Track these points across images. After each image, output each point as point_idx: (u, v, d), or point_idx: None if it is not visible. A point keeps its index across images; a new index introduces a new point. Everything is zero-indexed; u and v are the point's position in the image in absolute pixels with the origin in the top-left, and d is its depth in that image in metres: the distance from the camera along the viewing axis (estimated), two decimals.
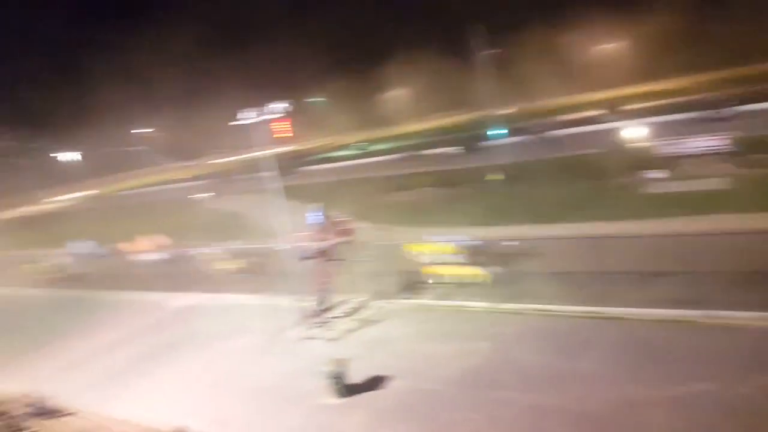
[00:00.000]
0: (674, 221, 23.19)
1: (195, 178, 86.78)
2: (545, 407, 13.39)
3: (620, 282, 18.53)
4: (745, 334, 14.78)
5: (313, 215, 26.71)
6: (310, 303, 21.08)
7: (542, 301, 18.80)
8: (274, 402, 16.02)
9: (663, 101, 60.88)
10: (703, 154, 32.88)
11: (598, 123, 53.55)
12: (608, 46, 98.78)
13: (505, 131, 57.07)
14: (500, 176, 39.25)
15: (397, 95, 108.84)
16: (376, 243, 29.37)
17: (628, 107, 59.88)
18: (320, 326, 20.29)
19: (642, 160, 33.58)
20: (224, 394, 17.04)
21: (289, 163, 65.35)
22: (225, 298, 26.35)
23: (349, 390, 15.35)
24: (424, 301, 21.51)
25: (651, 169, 32.30)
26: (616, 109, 59.14)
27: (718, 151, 32.61)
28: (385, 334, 19.25)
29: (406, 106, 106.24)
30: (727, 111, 45.98)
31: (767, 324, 14.99)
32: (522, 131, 56.36)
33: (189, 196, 66.13)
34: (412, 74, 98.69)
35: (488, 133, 56.11)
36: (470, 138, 60.92)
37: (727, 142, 32.59)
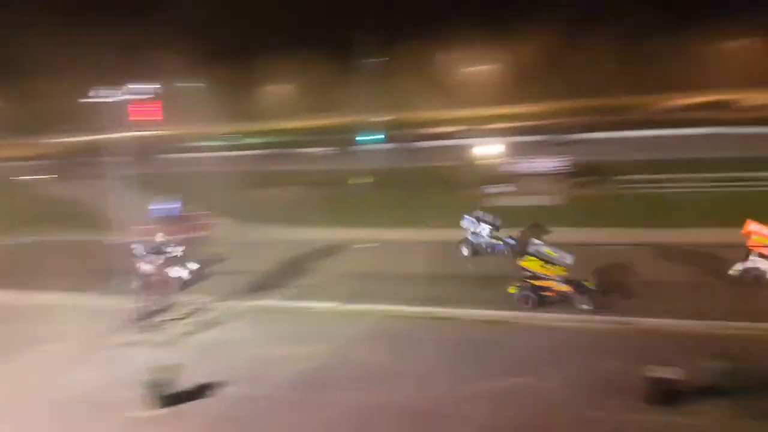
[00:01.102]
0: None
1: (36, 157, 77.06)
2: (373, 405, 13.62)
3: (450, 283, 19.83)
4: (554, 333, 16.75)
5: (159, 207, 24.80)
6: (140, 304, 19.35)
7: (384, 302, 19.38)
8: (80, 416, 14.27)
9: (518, 123, 66.87)
10: (544, 174, 36.46)
11: (459, 138, 56.91)
12: (480, 68, 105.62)
13: (382, 137, 58.88)
14: (367, 179, 40.10)
15: (276, 90, 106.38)
16: (234, 240, 28.27)
17: (487, 126, 64.63)
18: (150, 330, 18.72)
19: (490, 175, 36.47)
20: (24, 408, 14.85)
21: (149, 149, 60.73)
22: (37, 297, 22.86)
23: (172, 400, 14.19)
24: (271, 302, 20.95)
25: (496, 183, 35.21)
26: (476, 127, 63.59)
27: (557, 172, 36.35)
28: (223, 338, 18.28)
29: (285, 103, 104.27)
30: (567, 137, 51.66)
31: (567, 324, 17.20)
32: (394, 139, 58.35)
33: (20, 177, 58.44)
34: (295, 71, 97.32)
35: (362, 137, 57.22)
36: (344, 140, 61.54)
37: (566, 164, 36.44)
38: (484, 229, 24.17)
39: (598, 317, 17.22)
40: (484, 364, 15.20)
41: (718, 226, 23.63)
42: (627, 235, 24.72)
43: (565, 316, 17.59)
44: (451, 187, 35.59)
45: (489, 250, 23.86)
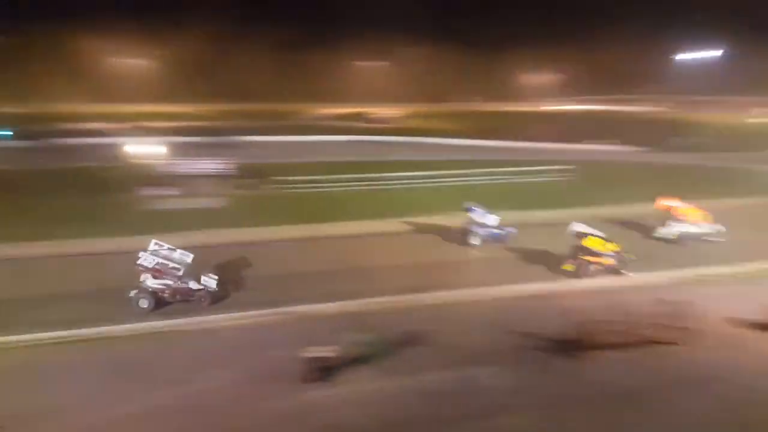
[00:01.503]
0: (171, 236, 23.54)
1: None
2: None
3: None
4: (217, 335, 16.60)
5: None
6: None
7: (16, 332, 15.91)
8: None
9: (177, 123, 63.98)
10: (206, 176, 35.70)
11: (108, 136, 51.00)
12: (135, 62, 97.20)
13: (8, 133, 48.30)
14: None
15: None
16: None
17: (143, 124, 59.84)
18: None
19: (147, 176, 33.79)
20: None
21: None
22: None
23: None
24: None
25: (155, 185, 32.76)
26: (131, 125, 58.25)
27: (220, 173, 36.09)
28: None
29: None
30: (229, 139, 51.61)
31: (229, 324, 17.20)
32: (27, 135, 48.43)
33: None
34: None
35: None
36: None
37: (229, 166, 36.53)
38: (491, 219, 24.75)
39: (256, 312, 17.59)
40: (145, 379, 13.91)
41: (364, 219, 28.06)
42: (288, 232, 26.19)
43: (225, 315, 17.56)
44: (98, 191, 31.35)
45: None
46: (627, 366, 14.85)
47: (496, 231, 24.57)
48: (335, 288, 19.24)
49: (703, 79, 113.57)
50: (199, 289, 18.36)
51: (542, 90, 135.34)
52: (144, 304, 17.91)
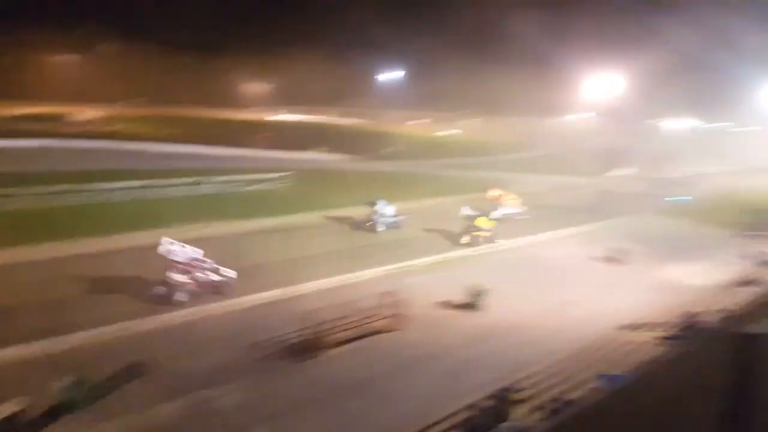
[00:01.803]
0: None
1: None
2: None
3: None
4: None
5: None
6: None
7: None
8: None
9: None
10: None
11: None
12: None
13: None
14: None
15: None
16: None
17: None
18: None
19: None
20: None
21: None
22: None
23: None
24: None
25: None
26: None
27: None
28: None
29: None
30: None
31: None
32: None
33: None
34: None
35: None
36: None
37: None
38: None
39: None
40: None
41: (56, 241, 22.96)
42: None
43: None
44: None
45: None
46: (357, 358, 15.77)
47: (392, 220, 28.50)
48: (35, 324, 15.41)
49: (396, 96, 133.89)
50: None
51: (255, 99, 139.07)
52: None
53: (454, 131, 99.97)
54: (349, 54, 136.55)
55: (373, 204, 28.76)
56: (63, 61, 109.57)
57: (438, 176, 47.90)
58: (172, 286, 17.87)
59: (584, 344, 16.14)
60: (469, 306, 19.31)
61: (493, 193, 33.77)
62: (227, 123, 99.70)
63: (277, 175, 39.04)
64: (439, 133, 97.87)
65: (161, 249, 18.21)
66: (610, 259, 25.60)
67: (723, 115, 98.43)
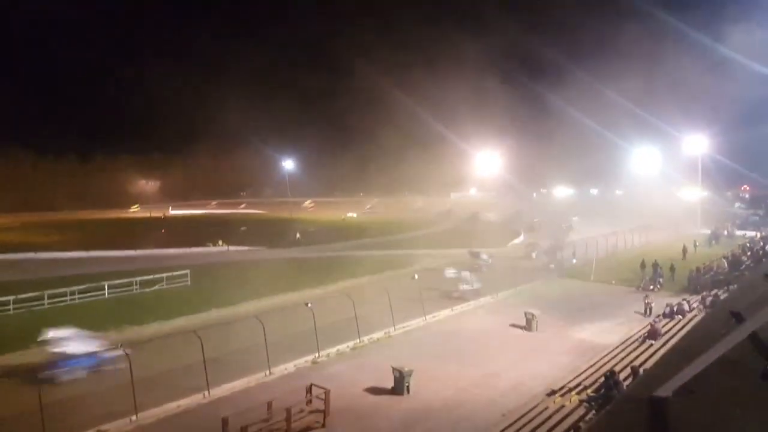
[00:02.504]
0: None
1: None
2: None
3: None
4: None
5: None
6: None
7: None
8: None
9: None
10: None
11: None
12: None
13: None
14: None
15: None
16: None
17: None
18: None
19: None
20: None
21: None
22: None
23: None
24: None
25: None
26: None
27: None
28: None
29: None
30: None
31: None
32: None
33: None
34: None
35: None
36: None
37: None
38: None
39: None
40: None
41: None
42: None
43: None
44: None
45: None
46: None
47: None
48: None
49: (294, 184, 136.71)
50: None
51: (146, 197, 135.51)
52: None
53: (352, 213, 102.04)
54: (244, 146, 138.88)
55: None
56: None
57: (345, 258, 48.10)
58: None
59: (518, 414, 16.14)
60: (396, 390, 18.80)
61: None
62: (118, 223, 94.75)
63: (174, 273, 37.26)
64: (343, 216, 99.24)
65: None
66: (522, 326, 26.44)
67: (593, 182, 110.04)
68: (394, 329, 26.14)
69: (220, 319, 27.16)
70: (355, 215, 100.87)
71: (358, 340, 24.20)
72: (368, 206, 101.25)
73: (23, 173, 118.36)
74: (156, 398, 17.37)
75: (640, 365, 17.18)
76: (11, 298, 29.97)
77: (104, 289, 33.63)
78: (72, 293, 32.30)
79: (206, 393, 18.28)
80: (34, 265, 46.29)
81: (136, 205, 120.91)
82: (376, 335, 25.16)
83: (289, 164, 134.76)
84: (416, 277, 31.76)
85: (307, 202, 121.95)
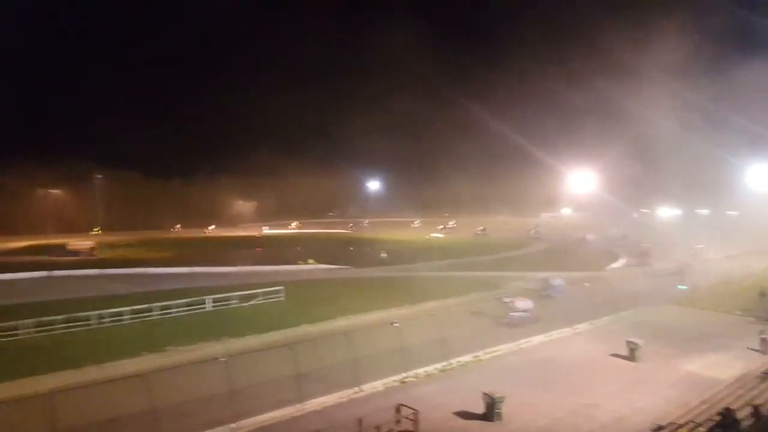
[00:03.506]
0: None
1: None
2: None
3: None
4: None
5: None
6: None
7: None
8: None
9: None
10: None
11: None
12: None
13: None
14: None
15: None
16: None
17: None
18: None
19: None
20: None
21: None
22: None
23: None
24: None
25: None
26: None
27: None
28: None
29: None
30: None
31: None
32: None
33: None
34: None
35: None
36: None
37: None
38: None
39: None
40: None
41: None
42: None
43: None
44: None
45: None
46: None
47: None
48: None
49: (381, 203, 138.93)
50: None
51: (242, 217, 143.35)
52: None
53: (440, 234, 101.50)
54: (333, 168, 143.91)
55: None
56: (55, 195, 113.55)
57: (431, 278, 47.82)
58: None
59: None
60: (487, 416, 18.21)
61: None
62: (217, 242, 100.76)
63: (269, 289, 38.94)
64: (428, 236, 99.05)
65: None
66: (624, 355, 24.75)
67: (702, 202, 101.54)
68: (484, 353, 25.44)
69: (311, 335, 27.91)
70: (441, 235, 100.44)
71: (446, 363, 23.80)
72: (480, 228, 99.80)
73: (136, 195, 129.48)
74: (252, 408, 18.07)
75: (762, 405, 15.45)
76: (127, 309, 32.71)
77: (206, 303, 35.83)
78: (178, 306, 34.62)
79: (299, 406, 18.74)
80: (145, 279, 50.38)
81: (212, 226, 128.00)
82: (464, 358, 24.60)
83: (374, 185, 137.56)
84: (506, 300, 30.87)
85: (416, 222, 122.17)
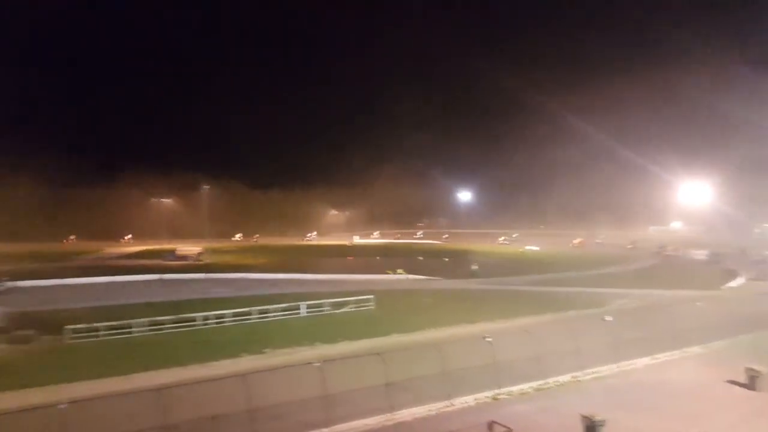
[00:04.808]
0: None
1: None
2: None
3: None
4: None
5: None
6: None
7: None
8: None
9: None
10: None
11: None
12: None
13: None
14: None
15: None
16: None
17: None
18: None
19: None
20: None
21: None
22: None
23: None
24: None
25: None
26: None
27: None
28: None
29: None
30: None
31: None
32: None
33: None
34: None
35: None
36: None
37: None
38: None
39: None
40: None
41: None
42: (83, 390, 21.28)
43: None
44: None
45: None
46: None
47: None
48: None
49: (472, 214, 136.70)
50: None
51: (336, 226, 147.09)
52: None
53: (535, 247, 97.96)
54: (423, 179, 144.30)
55: None
56: (167, 204, 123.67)
57: (524, 293, 46.20)
58: None
59: None
60: None
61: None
62: (310, 250, 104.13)
63: (360, 298, 39.61)
64: (522, 249, 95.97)
65: None
66: (742, 383, 22.33)
67: None
68: (583, 373, 24.04)
69: (400, 345, 27.85)
70: (536, 248, 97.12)
71: (542, 381, 22.75)
72: (576, 240, 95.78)
73: (239, 204, 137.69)
74: (344, 414, 18.30)
75: None
76: (229, 311, 34.66)
77: (300, 309, 37.10)
78: (275, 310, 36.14)
79: (389, 415, 18.72)
80: (245, 283, 53.25)
81: (313, 233, 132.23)
82: (562, 378, 23.38)
83: (465, 195, 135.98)
84: (608, 318, 29.02)
85: (514, 234, 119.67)
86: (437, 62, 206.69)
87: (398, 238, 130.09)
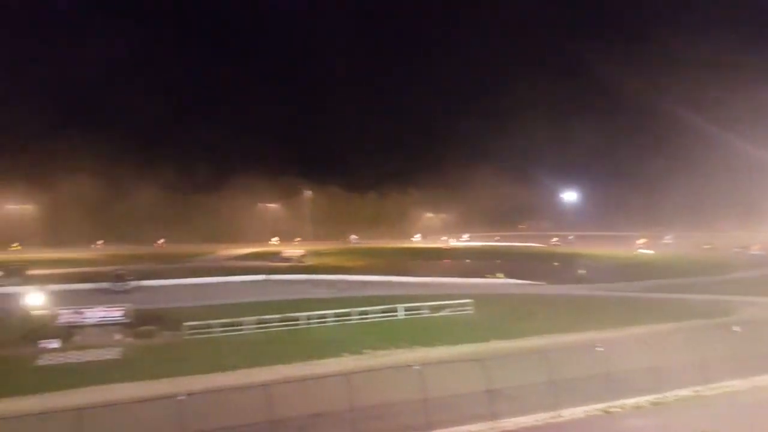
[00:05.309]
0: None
1: None
2: None
3: None
4: None
5: None
6: None
7: None
8: None
9: (68, 269, 60.11)
10: (100, 324, 32.45)
11: None
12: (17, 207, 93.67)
13: None
14: None
15: None
16: None
17: (31, 272, 55.67)
18: None
19: (37, 329, 30.44)
20: None
21: None
22: None
23: None
24: None
25: (45, 338, 29.57)
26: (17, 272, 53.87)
27: (114, 321, 32.81)
28: None
29: None
30: (124, 285, 48.96)
31: None
32: None
33: None
34: None
35: None
36: None
37: (123, 313, 33.28)
38: None
39: None
40: None
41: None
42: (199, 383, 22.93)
43: None
44: None
45: None
46: None
47: None
48: None
49: (574, 216, 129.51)
50: None
51: (434, 229, 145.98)
52: None
53: (647, 250, 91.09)
54: (523, 180, 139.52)
55: None
56: (272, 209, 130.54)
57: (636, 299, 43.03)
58: None
59: None
60: None
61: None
62: (408, 252, 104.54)
63: (459, 301, 39.11)
64: (634, 252, 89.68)
65: None
66: None
67: None
68: (707, 387, 21.82)
69: (502, 351, 27.03)
70: (650, 251, 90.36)
71: (659, 395, 20.94)
72: (706, 245, 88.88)
73: (337, 208, 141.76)
74: (444, 419, 17.98)
75: None
76: (331, 312, 35.69)
77: (398, 311, 37.30)
78: (374, 312, 36.65)
79: (491, 423, 18.13)
80: (345, 285, 54.61)
81: (417, 236, 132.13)
82: (682, 392, 21.36)
83: (570, 195, 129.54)
84: (737, 329, 26.19)
85: (589, 237, 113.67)
86: (549, 57, 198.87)
87: (498, 241, 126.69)
